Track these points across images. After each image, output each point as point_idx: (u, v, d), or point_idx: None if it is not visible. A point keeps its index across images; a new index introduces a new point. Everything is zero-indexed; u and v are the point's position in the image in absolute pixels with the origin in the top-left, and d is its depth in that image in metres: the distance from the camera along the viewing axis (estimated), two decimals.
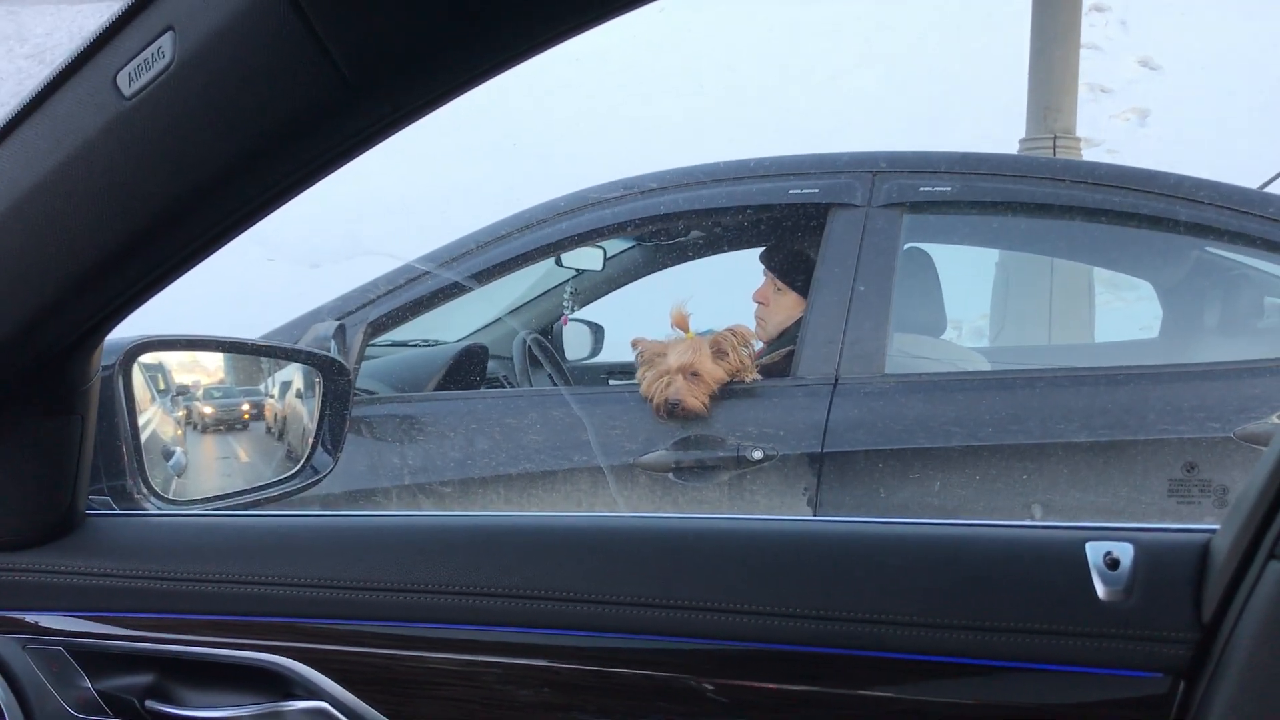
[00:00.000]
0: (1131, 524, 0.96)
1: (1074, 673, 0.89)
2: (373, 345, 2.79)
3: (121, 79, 0.75)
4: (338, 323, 2.52)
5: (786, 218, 2.74)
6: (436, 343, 3.38)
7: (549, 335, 3.54)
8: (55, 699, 1.03)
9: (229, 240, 0.87)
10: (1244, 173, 3.02)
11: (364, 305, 2.64)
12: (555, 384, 3.15)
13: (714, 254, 3.53)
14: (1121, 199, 2.59)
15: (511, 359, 3.21)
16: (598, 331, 3.72)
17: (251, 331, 2.72)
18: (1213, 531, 0.92)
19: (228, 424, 1.47)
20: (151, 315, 1.06)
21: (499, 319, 3.59)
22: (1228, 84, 10.20)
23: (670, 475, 2.45)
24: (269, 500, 1.37)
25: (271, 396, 1.52)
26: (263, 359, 1.54)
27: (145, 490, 1.18)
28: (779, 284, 2.75)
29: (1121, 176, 2.64)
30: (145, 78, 0.74)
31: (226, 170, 0.78)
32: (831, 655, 0.93)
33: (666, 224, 2.86)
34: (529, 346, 3.11)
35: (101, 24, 0.77)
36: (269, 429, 1.51)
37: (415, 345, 3.33)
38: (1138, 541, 0.92)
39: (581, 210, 2.71)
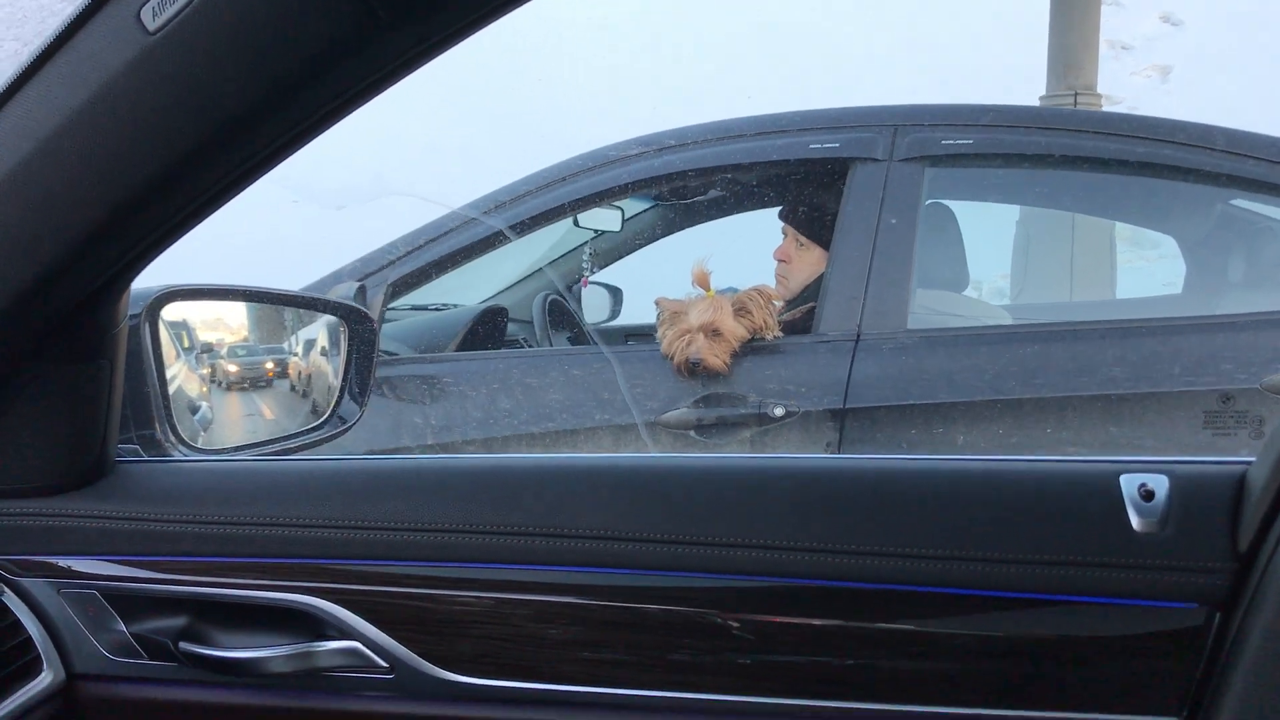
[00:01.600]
0: (1167, 457, 0.95)
1: (1109, 604, 0.89)
2: (392, 309, 2.79)
3: (146, 14, 0.74)
4: (358, 284, 2.52)
5: (807, 173, 2.72)
6: (455, 306, 3.38)
7: (566, 296, 3.53)
8: (90, 641, 1.04)
9: (255, 179, 0.86)
10: (1267, 129, 2.98)
11: (384, 266, 2.63)
12: (576, 344, 3.14)
13: (733, 213, 3.51)
14: (1147, 150, 2.56)
15: (530, 321, 3.21)
16: (616, 294, 3.71)
17: (277, 281, 2.72)
18: (1249, 463, 0.91)
19: (252, 381, 1.48)
20: (178, 264, 1.06)
21: (518, 282, 3.58)
22: (1250, 39, 10.05)
23: (692, 433, 2.45)
24: (297, 449, 1.38)
25: (295, 354, 1.52)
26: (287, 311, 1.55)
27: (174, 438, 1.19)
28: (800, 240, 2.73)
29: (1147, 127, 2.60)
30: (170, 11, 0.73)
31: (253, 106, 0.78)
32: (860, 590, 0.93)
33: (686, 181, 2.84)
34: (548, 308, 3.10)
35: None
36: (293, 386, 1.51)
37: (434, 309, 3.33)
38: (1173, 473, 0.92)
39: (600, 168, 2.69)
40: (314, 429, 1.42)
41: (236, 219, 1.31)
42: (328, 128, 0.83)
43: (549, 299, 3.14)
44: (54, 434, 1.01)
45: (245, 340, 1.49)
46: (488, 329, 2.91)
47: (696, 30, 10.94)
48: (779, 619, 0.96)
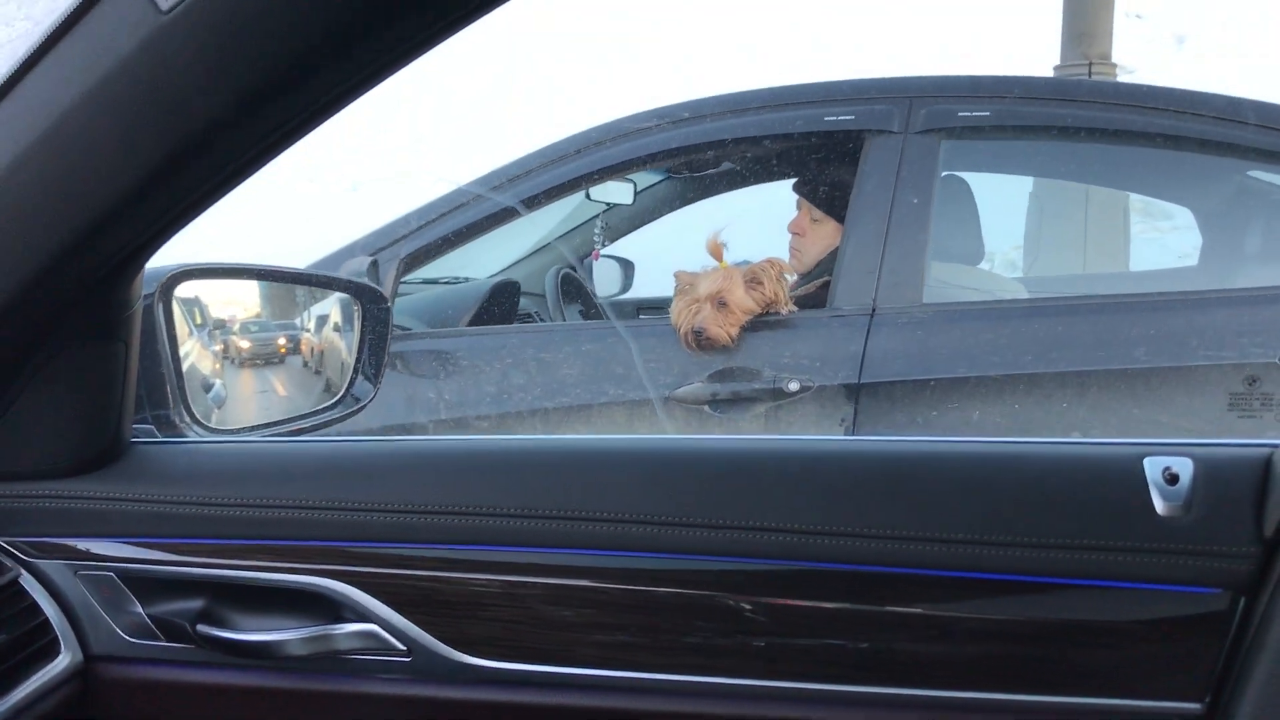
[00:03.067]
0: (1191, 440, 0.94)
1: (1132, 589, 0.89)
2: (405, 283, 2.78)
3: None
4: (371, 258, 2.52)
5: (822, 146, 2.70)
6: (468, 280, 3.37)
7: (580, 270, 3.52)
8: (107, 623, 1.05)
9: (270, 159, 0.85)
10: None
11: (397, 240, 2.62)
12: (588, 319, 3.14)
13: (747, 186, 3.49)
14: (1165, 121, 2.53)
15: (543, 295, 3.20)
16: (628, 267, 3.70)
17: (291, 259, 2.72)
18: (1275, 446, 0.90)
19: (265, 358, 1.47)
20: (191, 244, 1.05)
21: (529, 255, 3.57)
22: (1263, 5, 9.94)
23: (706, 408, 2.44)
24: (311, 429, 1.38)
25: (308, 330, 1.51)
26: (300, 289, 1.54)
27: (189, 418, 1.18)
28: (815, 214, 2.71)
29: (1165, 98, 2.57)
30: None
31: (267, 85, 0.76)
32: (878, 574, 0.93)
33: (700, 153, 2.82)
34: (560, 281, 3.09)
35: None
36: (305, 363, 1.51)
37: (447, 283, 3.33)
38: (1197, 457, 0.91)
39: (614, 141, 2.67)
40: (328, 408, 1.41)
41: (250, 200, 1.30)
42: (343, 107, 0.82)
43: (561, 273, 3.13)
44: (70, 416, 1.01)
45: (258, 316, 1.48)
46: (500, 304, 2.90)
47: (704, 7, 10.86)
48: (795, 602, 0.96)
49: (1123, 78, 6.25)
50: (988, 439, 1.02)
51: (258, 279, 1.45)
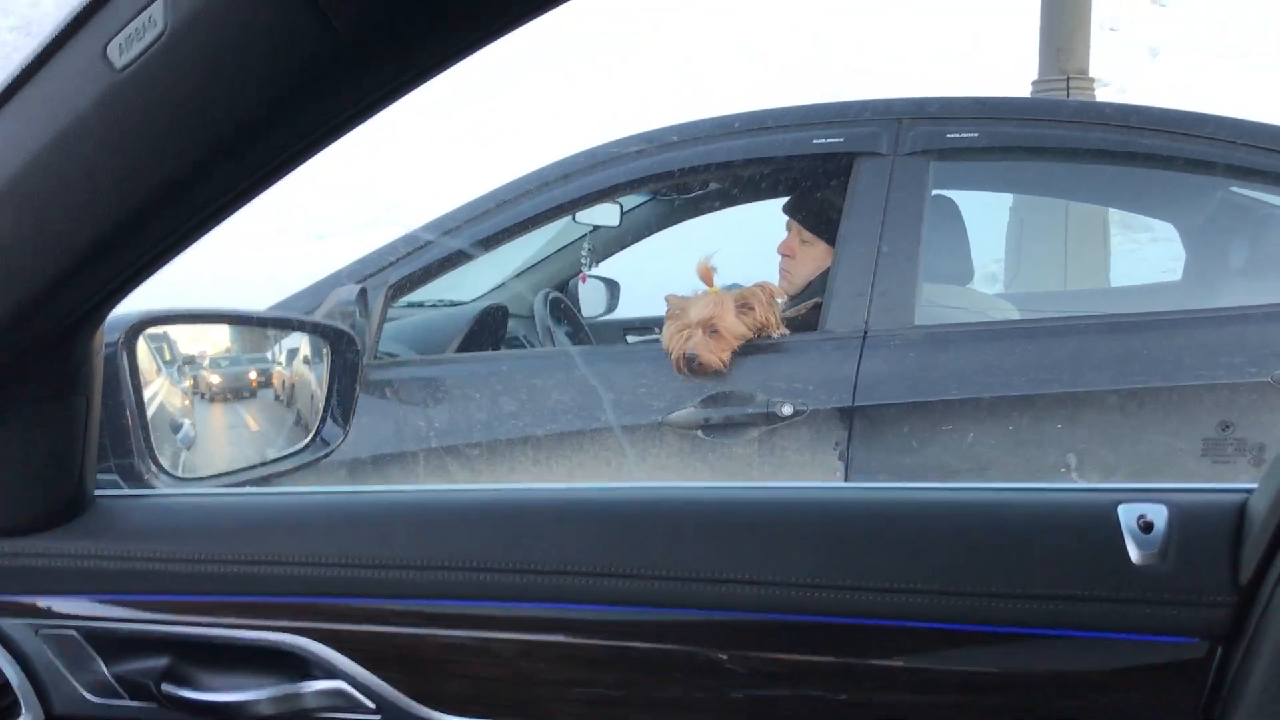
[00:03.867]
0: (1165, 484, 0.94)
1: (1107, 639, 0.88)
2: (392, 307, 2.76)
3: (112, 50, 0.71)
4: (359, 286, 2.49)
5: (811, 168, 2.70)
6: (454, 303, 3.36)
7: (566, 292, 3.51)
8: (70, 683, 1.02)
9: (231, 213, 0.83)
10: (1258, 110, 2.97)
11: (384, 268, 2.60)
12: (576, 342, 3.12)
13: (733, 205, 3.49)
14: (1149, 141, 2.55)
15: (529, 318, 3.19)
16: (614, 287, 3.69)
17: (262, 302, 2.69)
18: (1249, 491, 0.90)
19: (235, 392, 1.45)
20: (158, 289, 1.03)
21: (515, 276, 3.56)
22: (1236, 18, 10.06)
23: (699, 432, 2.43)
24: (280, 474, 1.35)
25: (279, 364, 1.50)
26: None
27: (154, 468, 1.16)
28: (804, 236, 2.71)
29: (1148, 118, 2.59)
30: (137, 48, 0.70)
31: (224, 141, 0.75)
32: (852, 625, 0.92)
33: (687, 178, 2.81)
34: (549, 305, 3.08)
35: None
36: (277, 396, 1.49)
37: (432, 306, 3.31)
38: (1172, 503, 0.90)
39: (599, 167, 2.66)
40: (297, 452, 1.39)
41: (215, 250, 1.28)
42: (304, 161, 0.80)
43: (550, 296, 3.12)
44: (29, 471, 0.98)
45: (228, 351, 1.46)
46: (489, 328, 2.89)
47: (686, 28, 10.90)
48: (771, 655, 0.95)
49: (1099, 91, 6.31)
50: (962, 485, 1.02)
51: (224, 323, 1.43)
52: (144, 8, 0.70)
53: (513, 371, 2.55)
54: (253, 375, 1.47)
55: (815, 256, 2.69)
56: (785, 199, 2.85)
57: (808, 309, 2.59)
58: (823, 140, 2.60)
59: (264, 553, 1.00)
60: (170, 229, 0.82)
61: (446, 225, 2.64)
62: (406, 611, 0.98)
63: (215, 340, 1.44)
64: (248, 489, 1.25)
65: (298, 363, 1.50)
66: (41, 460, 0.98)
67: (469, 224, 2.65)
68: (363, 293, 2.46)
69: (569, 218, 3.06)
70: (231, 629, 1.00)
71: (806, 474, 2.39)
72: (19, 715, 0.99)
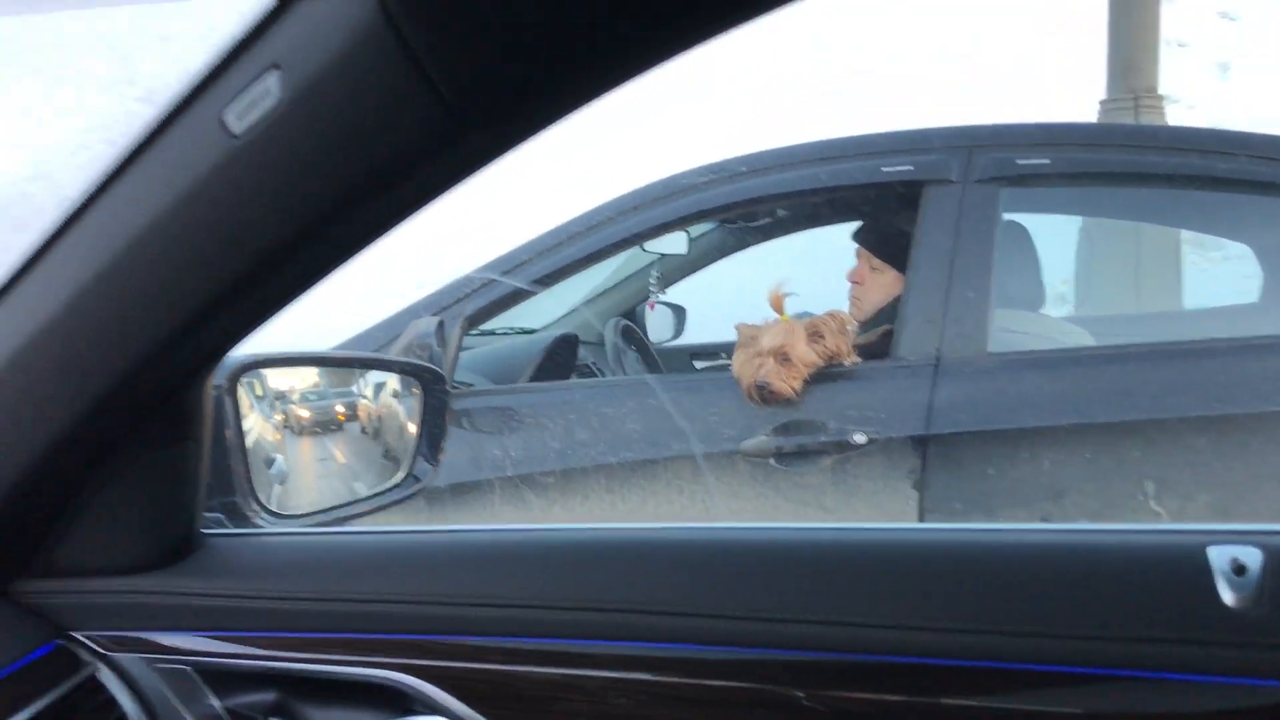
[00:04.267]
0: (1257, 526, 0.93)
1: (1202, 682, 0.87)
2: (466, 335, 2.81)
3: (229, 117, 0.76)
4: (437, 318, 2.55)
5: (880, 196, 2.71)
6: (524, 330, 3.40)
7: (634, 318, 3.55)
8: (183, 716, 1.05)
9: (335, 270, 0.87)
10: None
11: (460, 299, 2.66)
12: (646, 369, 3.15)
13: (799, 231, 3.51)
14: (1224, 165, 2.52)
15: (598, 344, 3.22)
16: (680, 313, 3.72)
17: (343, 333, 2.75)
18: None
19: (324, 426, 1.49)
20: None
21: (584, 304, 3.60)
22: None
23: (772, 461, 2.44)
24: (374, 510, 1.39)
25: (365, 397, 1.54)
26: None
27: (256, 507, 1.20)
28: (874, 263, 2.72)
29: (1221, 141, 2.56)
30: (254, 116, 0.74)
31: (334, 204, 0.79)
32: (944, 666, 0.92)
33: (758, 207, 2.84)
34: (619, 332, 3.11)
35: (207, 63, 0.78)
36: (364, 429, 1.53)
37: (503, 334, 3.36)
38: (1266, 545, 0.90)
39: (671, 197, 2.70)
40: (390, 489, 1.42)
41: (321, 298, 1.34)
42: (408, 220, 0.84)
43: (620, 324, 3.15)
44: (145, 514, 1.03)
45: (315, 385, 1.51)
46: (560, 357, 2.93)
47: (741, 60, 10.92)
48: (857, 695, 0.95)
49: (1169, 108, 6.22)
50: (1043, 526, 1.02)
51: (321, 365, 1.48)
52: (260, 77, 0.74)
53: (586, 400, 2.59)
54: (339, 409, 1.51)
55: (885, 284, 2.69)
56: (853, 226, 2.86)
57: (879, 336, 2.60)
58: (892, 169, 2.61)
59: (366, 591, 1.04)
60: (281, 286, 0.86)
61: (520, 259, 2.69)
62: (507, 649, 1.00)
63: (304, 375, 1.49)
64: (348, 528, 1.29)
65: (384, 396, 1.55)
66: (156, 502, 1.03)
67: (541, 257, 2.69)
68: (440, 325, 2.52)
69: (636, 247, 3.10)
70: (337, 665, 1.03)
71: (880, 503, 2.38)
72: None
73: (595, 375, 3.13)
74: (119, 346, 0.87)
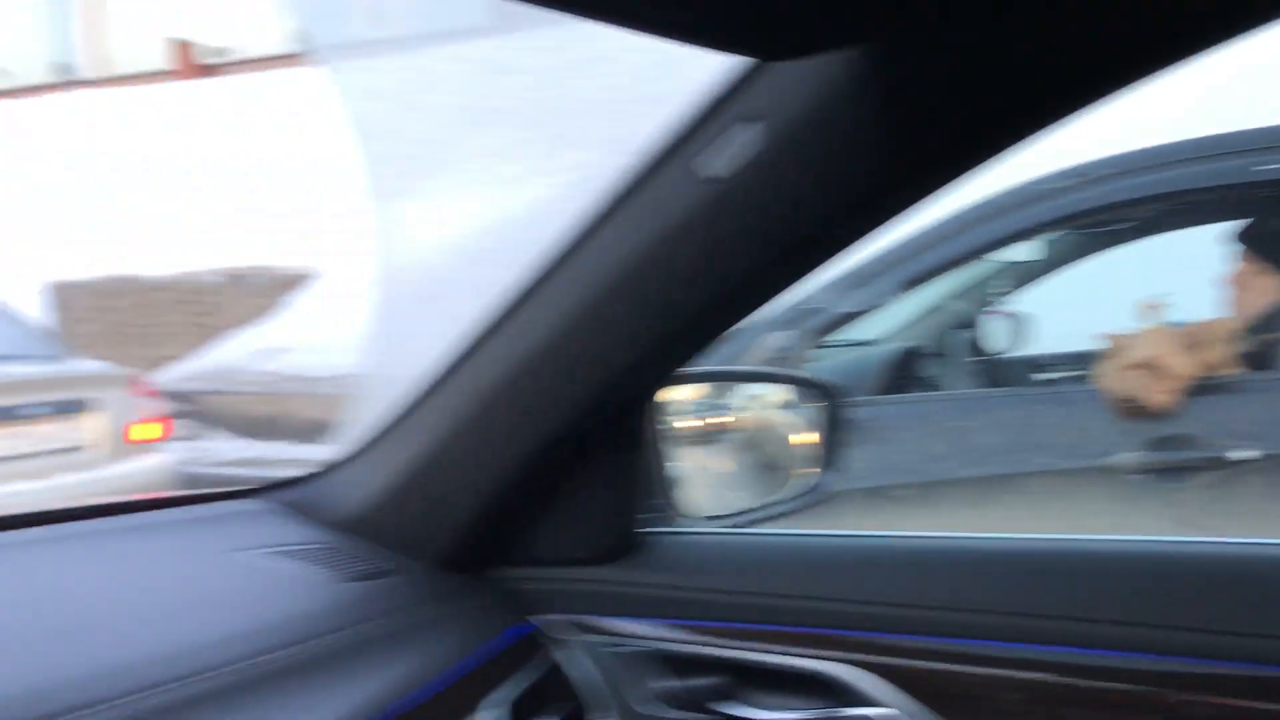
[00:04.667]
0: None
1: None
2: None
3: (708, 164, 0.84)
4: (788, 331, 2.61)
5: (1261, 196, 2.52)
6: (860, 343, 3.40)
7: (975, 328, 3.46)
8: (629, 696, 1.16)
9: (781, 298, 0.96)
10: None
11: (808, 313, 2.71)
12: (992, 381, 3.08)
13: (1157, 234, 3.31)
14: None
15: (940, 355, 3.18)
16: (1020, 322, 3.59)
17: None
18: None
19: (704, 436, 1.57)
20: None
21: (923, 313, 3.55)
22: None
23: (1142, 477, 2.33)
24: (784, 515, 1.46)
25: (742, 409, 1.61)
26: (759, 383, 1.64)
27: (677, 509, 1.30)
28: (1258, 266, 2.53)
29: None
30: (732, 162, 0.82)
31: (800, 241, 0.86)
32: None
33: (1121, 212, 2.71)
34: (964, 343, 3.06)
35: (689, 115, 0.87)
36: (741, 440, 1.60)
37: (841, 346, 3.37)
38: None
39: (1026, 204, 2.63)
40: (797, 497, 1.49)
41: None
42: (854, 250, 0.91)
43: (964, 335, 3.10)
44: (601, 512, 1.16)
45: (698, 396, 1.60)
46: (906, 368, 2.92)
47: None
48: (1247, 704, 0.94)
49: None
50: None
51: (733, 380, 1.57)
52: (740, 127, 0.82)
53: (939, 413, 2.57)
54: (719, 419, 1.60)
55: (1269, 289, 2.50)
56: (1221, 229, 2.68)
57: (1262, 344, 2.42)
58: (1269, 166, 2.42)
59: (795, 588, 1.11)
60: (735, 313, 0.97)
61: (869, 272, 2.70)
62: (949, 650, 1.04)
63: (692, 388, 1.58)
64: (757, 530, 1.37)
65: (763, 408, 1.62)
66: (609, 501, 1.16)
67: (890, 269, 2.69)
68: (791, 336, 2.58)
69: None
70: (778, 656, 1.10)
71: (1268, 523, 2.22)
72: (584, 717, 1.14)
73: (938, 388, 3.09)
74: (601, 363, 0.99)
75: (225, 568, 1.10)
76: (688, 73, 0.80)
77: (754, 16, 0.68)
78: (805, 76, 0.77)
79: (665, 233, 0.89)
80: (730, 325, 0.98)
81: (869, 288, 2.69)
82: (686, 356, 1.02)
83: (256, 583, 1.08)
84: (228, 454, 8.32)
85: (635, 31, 0.65)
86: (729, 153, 0.83)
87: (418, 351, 1.09)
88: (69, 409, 5.29)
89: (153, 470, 5.64)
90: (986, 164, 0.81)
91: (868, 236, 0.89)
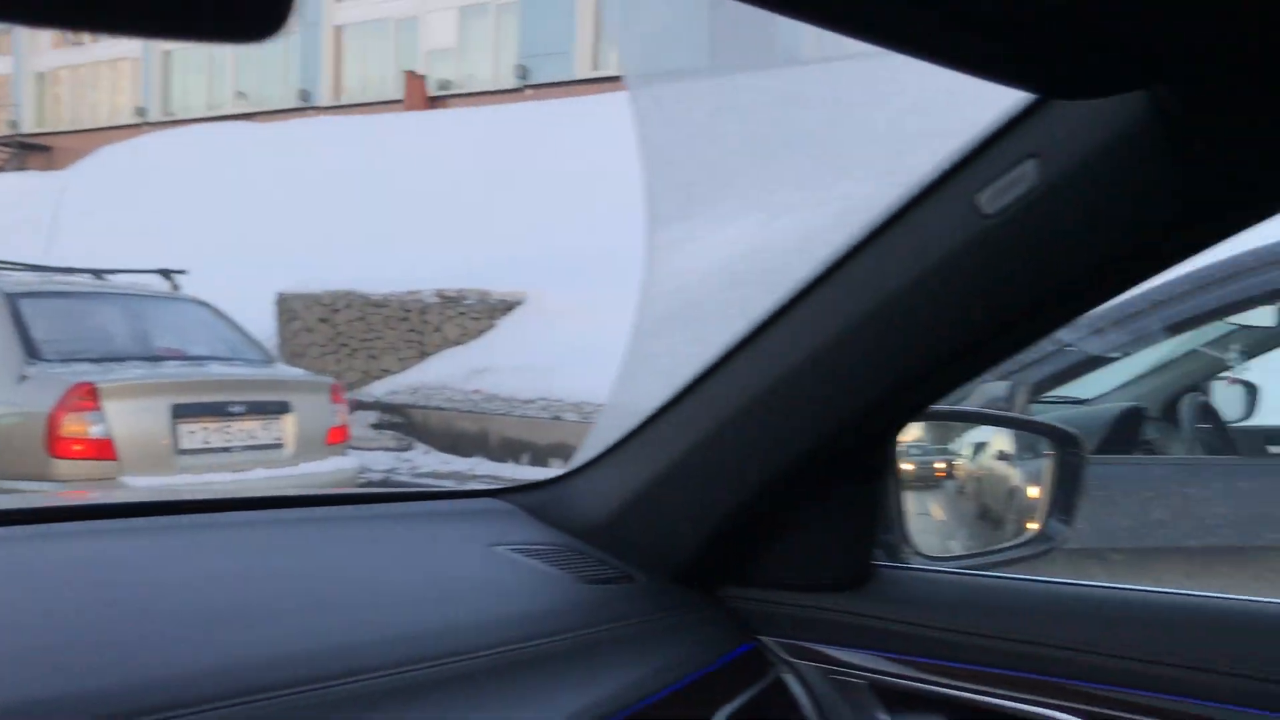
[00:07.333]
0: None
1: None
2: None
3: (983, 199, 0.85)
4: (1006, 382, 2.56)
5: None
6: (1076, 400, 3.29)
7: (1203, 393, 3.30)
8: None
9: (1042, 341, 0.97)
10: None
11: (1028, 366, 2.65)
12: (1220, 450, 2.93)
13: None
14: None
15: (1162, 419, 3.04)
16: (1252, 391, 3.40)
17: None
18: None
19: (924, 481, 1.56)
20: None
21: (1145, 374, 3.41)
22: None
23: None
24: (1011, 562, 1.44)
25: (964, 456, 1.59)
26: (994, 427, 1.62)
27: (909, 545, 1.30)
28: None
29: None
30: (1008, 199, 0.83)
31: (1073, 281, 0.86)
32: None
33: None
34: (1193, 408, 2.93)
35: (962, 150, 0.88)
36: (961, 489, 1.58)
37: (1055, 402, 3.27)
38: None
39: (1266, 268, 2.51)
40: (1024, 544, 1.47)
41: None
42: (1125, 294, 0.90)
43: (1195, 399, 2.96)
44: (836, 540, 1.17)
45: (918, 439, 1.59)
46: (1126, 430, 2.81)
47: None
48: None
49: None
50: None
51: (966, 421, 1.56)
52: (1017, 164, 0.84)
53: (1163, 477, 2.47)
54: (939, 465, 1.59)
55: None
56: None
57: None
58: None
59: (1029, 633, 1.09)
60: (995, 353, 0.96)
61: (1095, 326, 2.63)
62: (1179, 710, 1.02)
63: (910, 429, 1.59)
64: (989, 573, 1.36)
65: (985, 457, 1.60)
66: (844, 531, 1.17)
67: (1116, 326, 2.61)
68: (1010, 389, 2.53)
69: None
70: (1000, 699, 1.09)
71: None
72: None
73: (1160, 452, 2.96)
74: (850, 392, 1.01)
75: (475, 559, 1.17)
76: (965, 110, 0.82)
77: (1048, 53, 0.69)
78: (1090, 116, 0.78)
79: (933, 267, 0.90)
80: (986, 368, 0.99)
81: (1092, 341, 2.61)
82: (937, 395, 1.03)
83: (504, 576, 1.14)
84: (428, 466, 8.69)
85: (929, 61, 0.67)
86: (1006, 189, 0.84)
87: (668, 369, 1.14)
88: (273, 409, 5.65)
89: (346, 472, 5.95)
90: (1264, 220, 0.81)
91: (1135, 285, 0.89)
